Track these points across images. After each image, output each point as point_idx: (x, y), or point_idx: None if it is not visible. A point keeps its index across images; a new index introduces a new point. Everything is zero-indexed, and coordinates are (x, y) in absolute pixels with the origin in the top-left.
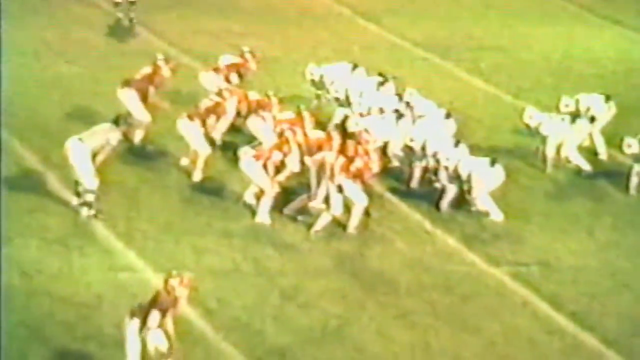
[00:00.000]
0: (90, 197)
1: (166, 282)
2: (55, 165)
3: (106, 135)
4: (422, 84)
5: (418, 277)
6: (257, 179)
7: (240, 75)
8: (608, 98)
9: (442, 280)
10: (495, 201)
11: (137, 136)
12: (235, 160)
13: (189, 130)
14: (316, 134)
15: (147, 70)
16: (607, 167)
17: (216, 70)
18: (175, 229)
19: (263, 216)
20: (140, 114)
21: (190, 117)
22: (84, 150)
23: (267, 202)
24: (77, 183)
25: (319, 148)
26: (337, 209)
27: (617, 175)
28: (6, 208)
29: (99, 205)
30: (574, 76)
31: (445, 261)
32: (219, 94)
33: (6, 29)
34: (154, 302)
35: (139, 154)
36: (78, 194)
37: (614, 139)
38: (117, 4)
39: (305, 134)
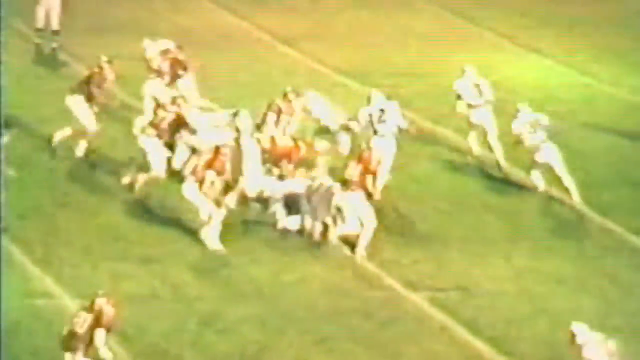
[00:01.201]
0: None
1: (92, 302)
2: None
3: None
4: (342, 109)
5: (337, 302)
6: (200, 206)
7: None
8: None
9: (361, 306)
10: (414, 225)
11: (81, 147)
12: (156, 183)
13: (149, 145)
14: (284, 142)
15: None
16: (524, 193)
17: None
18: (93, 254)
19: (214, 243)
20: (87, 121)
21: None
22: None
23: (214, 228)
24: None
25: (286, 156)
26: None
27: (534, 201)
28: None
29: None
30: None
31: (364, 286)
32: (174, 102)
33: None
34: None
35: (57, 179)
36: None
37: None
38: (38, 30)
39: (273, 141)
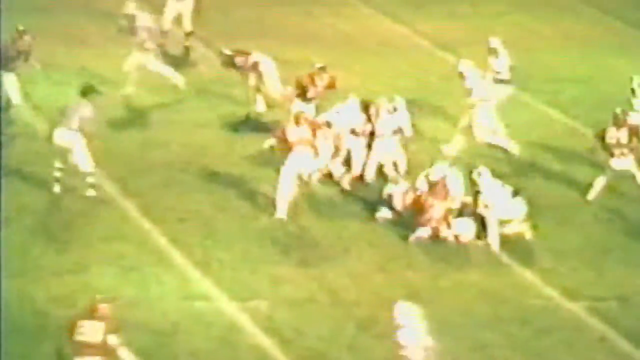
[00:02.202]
0: (91, 179)
1: (93, 309)
2: (133, 194)
3: (80, 113)
4: (500, 114)
5: (494, 309)
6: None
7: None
8: None
9: (518, 313)
10: (574, 234)
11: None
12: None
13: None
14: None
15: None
16: None
17: None
18: (252, 258)
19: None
20: None
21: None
22: (72, 136)
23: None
24: (58, 169)
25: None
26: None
27: None
28: (84, 235)
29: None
30: None
31: (522, 294)
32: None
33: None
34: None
35: (215, 182)
36: (57, 180)
37: None
38: (163, 32)
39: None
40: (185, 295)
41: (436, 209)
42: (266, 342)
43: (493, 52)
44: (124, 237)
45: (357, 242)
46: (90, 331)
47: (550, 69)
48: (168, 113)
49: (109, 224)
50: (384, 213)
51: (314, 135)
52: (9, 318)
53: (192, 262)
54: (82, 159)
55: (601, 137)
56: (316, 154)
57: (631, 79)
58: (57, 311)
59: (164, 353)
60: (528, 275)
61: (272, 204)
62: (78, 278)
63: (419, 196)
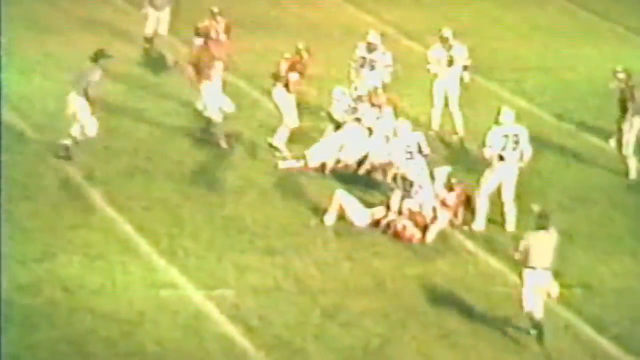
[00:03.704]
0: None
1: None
2: (98, 182)
3: (89, 77)
4: (466, 103)
5: (460, 297)
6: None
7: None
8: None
9: (484, 301)
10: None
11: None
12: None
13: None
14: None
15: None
16: None
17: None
18: (218, 247)
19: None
20: (290, 117)
21: None
22: (80, 101)
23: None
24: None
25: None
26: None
27: None
28: (49, 224)
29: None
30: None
31: (488, 282)
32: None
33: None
34: None
35: (182, 172)
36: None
37: None
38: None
39: None
40: (151, 284)
41: None
42: (232, 330)
43: (445, 41)
44: (90, 226)
45: (323, 231)
46: None
47: (514, 58)
48: (133, 101)
49: (75, 212)
50: None
51: None
52: None
53: (157, 251)
54: (89, 123)
55: None
56: None
57: None
58: (23, 300)
59: (129, 342)
60: (493, 262)
61: (237, 192)
62: (44, 266)
63: None
